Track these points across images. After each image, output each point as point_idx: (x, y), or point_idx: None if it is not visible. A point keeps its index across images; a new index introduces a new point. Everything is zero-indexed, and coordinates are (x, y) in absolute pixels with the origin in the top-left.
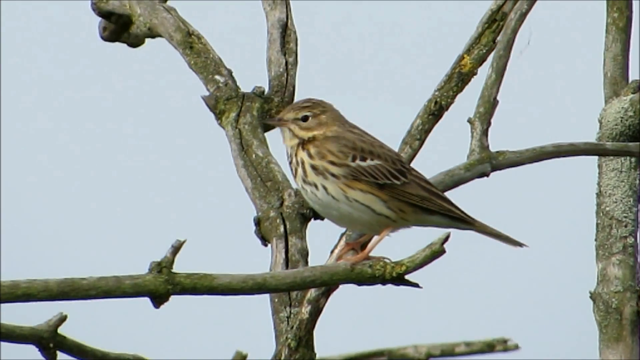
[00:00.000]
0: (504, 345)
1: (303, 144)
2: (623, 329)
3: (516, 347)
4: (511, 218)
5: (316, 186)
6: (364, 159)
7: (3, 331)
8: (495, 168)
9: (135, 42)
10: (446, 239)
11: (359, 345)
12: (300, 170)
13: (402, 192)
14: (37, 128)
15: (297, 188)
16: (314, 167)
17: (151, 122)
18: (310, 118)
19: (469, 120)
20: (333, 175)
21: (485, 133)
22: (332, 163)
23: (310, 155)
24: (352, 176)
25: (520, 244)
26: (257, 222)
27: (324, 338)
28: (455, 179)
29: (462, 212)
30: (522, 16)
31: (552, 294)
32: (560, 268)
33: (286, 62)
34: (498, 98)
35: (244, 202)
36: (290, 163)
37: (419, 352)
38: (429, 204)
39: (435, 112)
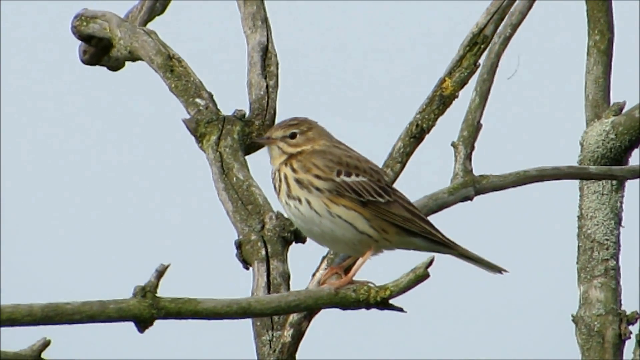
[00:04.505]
0: None
1: (286, 160)
2: (605, 352)
3: None
4: (494, 241)
5: (300, 200)
6: (348, 174)
7: None
8: (478, 192)
9: (115, 65)
10: (430, 263)
11: None
12: (284, 185)
13: (386, 211)
14: (17, 152)
15: (281, 205)
16: (298, 181)
17: (131, 145)
18: (298, 135)
19: (453, 144)
20: (318, 189)
21: (468, 157)
22: (317, 177)
23: (293, 170)
24: (337, 191)
25: (500, 270)
26: (238, 246)
27: None
28: (439, 203)
29: (443, 236)
30: (506, 40)
31: (534, 317)
32: (543, 291)
33: (267, 85)
34: (481, 122)
35: (224, 226)
36: (274, 180)
37: None
38: (411, 225)
39: (416, 134)
